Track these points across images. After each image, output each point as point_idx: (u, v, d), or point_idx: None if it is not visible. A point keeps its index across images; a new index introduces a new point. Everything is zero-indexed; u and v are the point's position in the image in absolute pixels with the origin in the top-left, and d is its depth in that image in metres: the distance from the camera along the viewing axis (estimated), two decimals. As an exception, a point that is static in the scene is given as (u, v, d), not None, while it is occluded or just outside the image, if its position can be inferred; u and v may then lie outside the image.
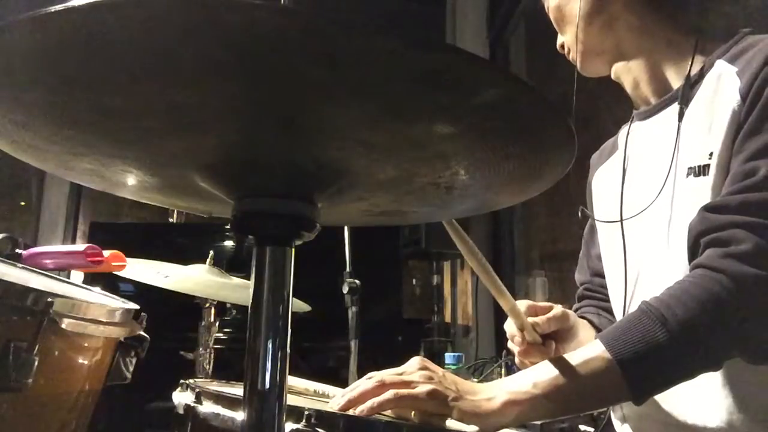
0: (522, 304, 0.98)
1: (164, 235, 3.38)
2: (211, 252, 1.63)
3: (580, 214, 1.13)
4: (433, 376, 0.74)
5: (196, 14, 0.34)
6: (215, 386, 0.91)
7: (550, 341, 0.99)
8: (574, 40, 1.06)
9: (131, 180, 0.57)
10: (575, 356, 0.77)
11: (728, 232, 0.79)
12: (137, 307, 1.07)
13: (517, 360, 1.01)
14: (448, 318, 3.40)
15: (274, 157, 0.49)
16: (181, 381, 0.86)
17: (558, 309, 1.01)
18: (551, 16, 1.11)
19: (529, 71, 3.46)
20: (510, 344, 1.01)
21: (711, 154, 0.87)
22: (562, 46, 1.12)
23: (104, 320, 0.95)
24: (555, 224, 2.99)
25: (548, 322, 0.98)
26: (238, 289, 1.54)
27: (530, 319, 0.97)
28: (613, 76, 1.10)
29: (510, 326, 0.98)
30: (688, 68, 0.96)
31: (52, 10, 0.33)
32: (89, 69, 0.39)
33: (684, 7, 1.04)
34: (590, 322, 1.12)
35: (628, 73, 1.06)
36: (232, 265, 2.20)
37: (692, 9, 1.06)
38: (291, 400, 0.57)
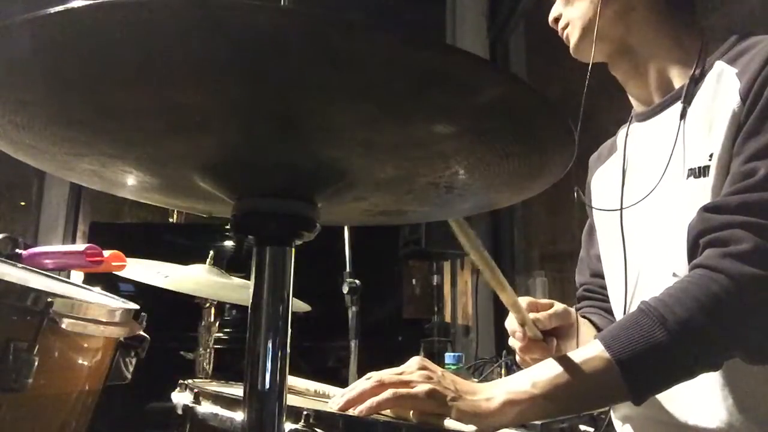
0: (523, 301, 0.98)
1: (164, 235, 3.38)
2: (211, 252, 1.63)
3: (575, 196, 1.09)
4: (432, 376, 0.74)
5: (196, 14, 0.34)
6: (214, 386, 0.91)
7: (551, 338, 0.99)
8: (581, 15, 1.02)
9: (131, 180, 0.57)
10: (574, 356, 0.77)
11: (727, 232, 0.79)
12: (137, 307, 1.07)
13: (517, 357, 1.01)
14: (448, 318, 3.40)
15: (275, 158, 0.49)
16: (180, 381, 0.86)
17: (559, 306, 1.01)
18: None
19: (529, 71, 3.46)
20: (511, 340, 1.01)
21: (711, 156, 0.87)
22: (556, 21, 1.07)
23: (104, 320, 0.95)
24: (555, 224, 2.99)
25: (549, 319, 0.98)
26: (238, 289, 1.54)
27: (531, 315, 0.97)
28: (612, 70, 1.08)
29: (511, 322, 0.98)
30: (693, 68, 0.95)
31: (52, 11, 0.34)
32: (89, 69, 0.39)
33: (693, 8, 1.03)
34: (591, 322, 1.12)
35: (631, 68, 1.04)
36: (232, 265, 2.20)
37: (699, 10, 1.04)
38: (291, 400, 0.57)
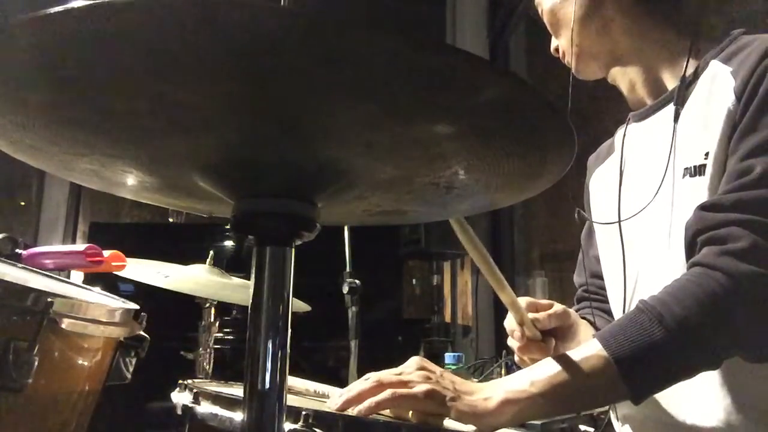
0: (522, 301, 0.98)
1: (164, 235, 3.38)
2: (211, 252, 1.63)
3: (576, 216, 1.13)
4: (431, 376, 0.74)
5: (195, 14, 0.34)
6: (213, 387, 0.91)
7: (550, 338, 0.99)
8: (569, 44, 1.06)
9: (131, 180, 0.57)
10: (573, 355, 0.77)
11: (724, 230, 0.79)
12: (137, 307, 1.07)
13: (516, 357, 1.01)
14: (448, 318, 3.40)
15: (274, 157, 0.49)
16: (180, 381, 0.86)
17: (559, 306, 1.01)
18: (545, 20, 1.11)
19: (529, 71, 3.46)
20: (509, 340, 1.01)
21: (707, 154, 0.87)
22: (557, 50, 1.12)
23: (104, 320, 0.95)
24: (555, 224, 2.99)
25: (548, 319, 0.98)
26: (238, 289, 1.54)
27: (530, 315, 0.97)
28: (609, 80, 1.10)
29: (510, 322, 0.98)
30: (684, 69, 0.96)
31: (52, 11, 0.34)
32: (89, 69, 0.39)
33: (678, 8, 1.04)
34: (590, 322, 1.12)
35: (624, 76, 1.06)
36: (232, 265, 2.20)
37: (687, 10, 1.06)
38: (291, 400, 0.57)
